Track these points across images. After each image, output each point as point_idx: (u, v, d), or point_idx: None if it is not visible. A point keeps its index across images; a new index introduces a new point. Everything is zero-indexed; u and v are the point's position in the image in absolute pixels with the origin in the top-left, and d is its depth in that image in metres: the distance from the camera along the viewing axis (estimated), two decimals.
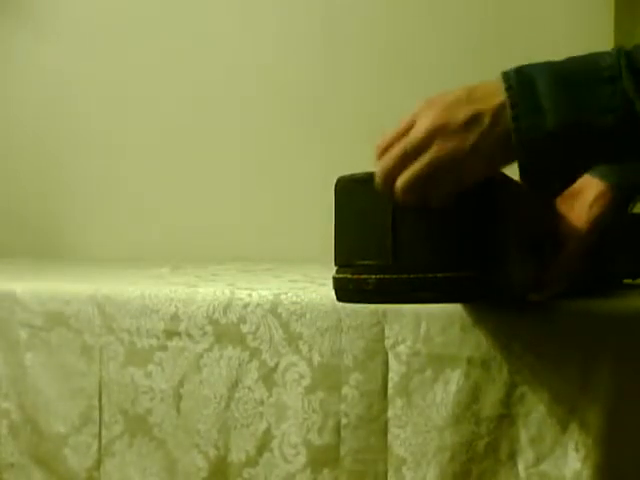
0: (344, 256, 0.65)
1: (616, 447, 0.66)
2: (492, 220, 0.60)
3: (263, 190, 1.75)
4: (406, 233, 0.59)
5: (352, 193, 0.64)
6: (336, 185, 0.66)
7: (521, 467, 0.69)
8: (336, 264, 0.66)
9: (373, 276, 0.60)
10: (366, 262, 0.61)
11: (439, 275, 0.58)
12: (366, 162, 1.81)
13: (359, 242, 0.62)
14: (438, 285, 0.59)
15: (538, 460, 0.68)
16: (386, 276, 0.60)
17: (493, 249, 0.60)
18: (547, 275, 0.68)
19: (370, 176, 0.61)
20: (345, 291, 0.64)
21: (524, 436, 0.69)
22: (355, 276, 0.62)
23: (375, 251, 0.61)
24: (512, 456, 0.70)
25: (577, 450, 0.66)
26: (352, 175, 0.64)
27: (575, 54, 0.55)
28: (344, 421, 0.77)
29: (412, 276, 0.59)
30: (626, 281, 0.87)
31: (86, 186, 1.98)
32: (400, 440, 0.74)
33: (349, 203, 0.64)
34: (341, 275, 0.64)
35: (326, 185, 1.85)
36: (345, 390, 0.77)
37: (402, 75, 1.63)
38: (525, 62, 0.54)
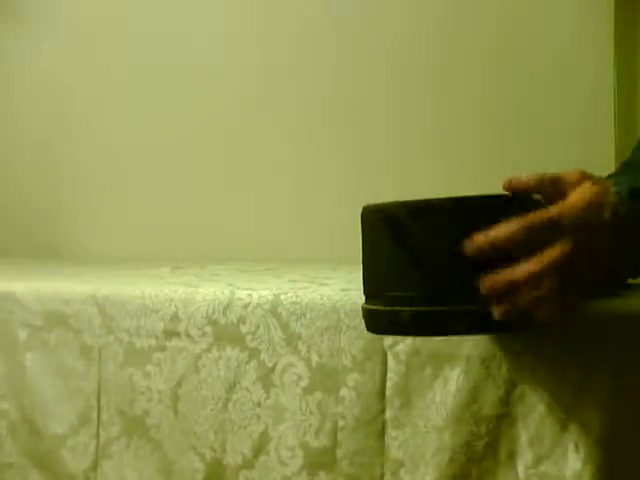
0: (374, 287, 0.64)
1: (616, 447, 0.66)
2: None
3: (263, 190, 1.75)
4: (439, 264, 0.59)
5: (380, 224, 0.62)
6: (362, 215, 0.65)
7: (521, 468, 0.69)
8: (365, 294, 0.66)
9: (407, 308, 0.59)
10: (398, 294, 0.60)
11: (475, 307, 0.58)
12: (364, 161, 1.80)
13: (390, 273, 0.61)
14: (475, 317, 0.58)
15: (538, 460, 0.68)
16: (421, 309, 0.59)
17: None
18: None
19: (398, 207, 0.60)
20: (378, 323, 0.64)
21: (524, 436, 0.69)
22: (388, 308, 0.61)
23: (408, 283, 0.60)
24: (512, 456, 0.69)
25: (577, 450, 0.66)
26: (378, 205, 0.63)
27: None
28: (341, 423, 0.76)
29: (448, 309, 0.58)
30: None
31: (86, 186, 1.98)
32: (398, 442, 0.74)
33: (377, 234, 0.63)
34: (372, 306, 0.64)
35: (326, 185, 1.86)
36: (343, 391, 0.76)
37: (399, 73, 1.63)
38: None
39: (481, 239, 0.57)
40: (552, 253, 0.57)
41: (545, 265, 0.57)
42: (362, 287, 0.66)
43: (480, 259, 0.57)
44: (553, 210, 0.59)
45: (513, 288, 0.57)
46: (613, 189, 0.61)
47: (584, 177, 0.61)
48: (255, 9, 1.78)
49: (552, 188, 0.61)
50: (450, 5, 1.60)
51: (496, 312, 0.58)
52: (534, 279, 0.57)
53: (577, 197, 0.60)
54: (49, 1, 2.03)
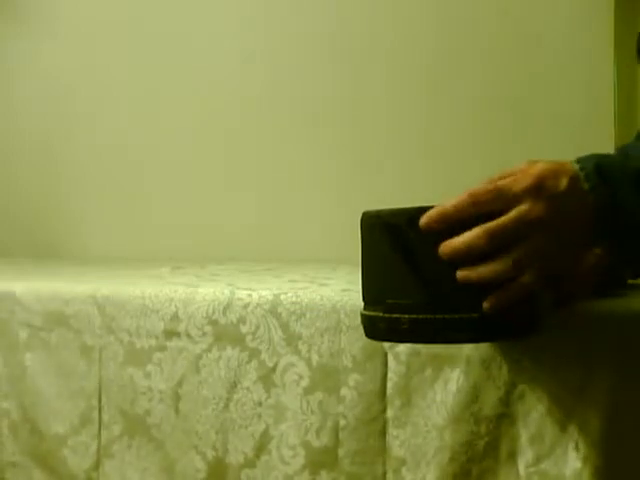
0: (373, 293, 0.64)
1: (616, 446, 0.66)
2: None
3: (263, 190, 1.75)
4: (439, 271, 0.59)
5: (380, 230, 0.62)
6: (362, 221, 0.65)
7: (521, 466, 0.69)
8: (364, 300, 0.66)
9: (406, 315, 0.59)
10: (398, 301, 0.60)
11: (474, 315, 0.58)
12: (364, 161, 1.79)
13: (389, 279, 0.62)
14: (474, 325, 0.58)
15: (538, 459, 0.68)
16: (420, 316, 0.59)
17: None
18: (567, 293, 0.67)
19: (397, 215, 0.60)
20: (377, 330, 0.63)
21: (524, 435, 0.69)
22: (387, 315, 0.61)
23: (407, 290, 0.60)
24: (512, 455, 0.70)
25: (577, 449, 0.66)
26: (379, 212, 0.63)
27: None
28: (342, 422, 0.76)
29: (447, 316, 0.58)
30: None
31: (86, 186, 1.98)
32: (399, 441, 0.74)
33: (377, 241, 0.63)
34: (371, 313, 0.64)
35: (326, 185, 1.86)
36: (344, 391, 0.77)
37: (399, 74, 1.63)
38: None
39: (435, 217, 0.58)
40: (505, 217, 0.57)
41: (500, 226, 0.57)
42: (361, 293, 0.66)
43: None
44: (500, 182, 0.59)
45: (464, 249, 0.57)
46: (576, 165, 0.60)
47: (533, 161, 0.61)
48: (255, 9, 1.78)
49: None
50: (450, 5, 1.60)
51: (485, 305, 0.58)
52: (494, 241, 0.57)
53: (525, 170, 0.59)
54: (49, 1, 2.03)
